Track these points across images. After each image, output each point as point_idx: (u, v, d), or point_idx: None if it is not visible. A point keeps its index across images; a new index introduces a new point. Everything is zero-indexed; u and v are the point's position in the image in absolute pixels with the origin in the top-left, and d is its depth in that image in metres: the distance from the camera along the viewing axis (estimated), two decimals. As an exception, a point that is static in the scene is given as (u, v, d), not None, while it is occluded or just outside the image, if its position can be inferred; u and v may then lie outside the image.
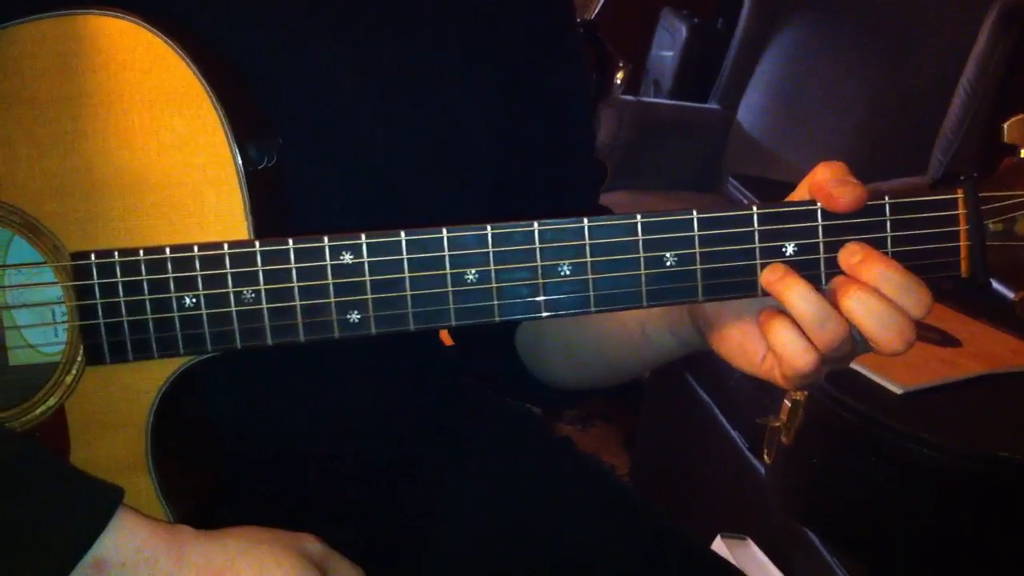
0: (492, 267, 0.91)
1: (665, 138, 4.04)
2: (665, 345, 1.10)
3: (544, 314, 0.92)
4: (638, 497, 1.29)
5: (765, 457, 2.07)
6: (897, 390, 1.80)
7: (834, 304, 0.89)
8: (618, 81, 3.64)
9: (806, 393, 1.89)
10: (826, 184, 0.89)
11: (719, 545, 2.16)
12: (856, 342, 0.92)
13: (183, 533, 0.90)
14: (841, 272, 0.90)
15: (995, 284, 0.89)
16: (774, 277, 0.90)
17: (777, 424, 1.99)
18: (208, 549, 0.90)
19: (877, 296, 0.88)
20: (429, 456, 1.24)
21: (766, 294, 0.91)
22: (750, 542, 2.18)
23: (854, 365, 1.86)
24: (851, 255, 0.89)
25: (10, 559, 0.83)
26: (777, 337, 0.91)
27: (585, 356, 1.22)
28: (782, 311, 0.91)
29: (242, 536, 0.92)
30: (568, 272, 0.91)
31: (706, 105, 4.18)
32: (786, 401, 1.95)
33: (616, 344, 1.15)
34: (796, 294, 0.89)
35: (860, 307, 0.88)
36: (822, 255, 0.90)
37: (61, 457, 0.95)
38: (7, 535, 0.83)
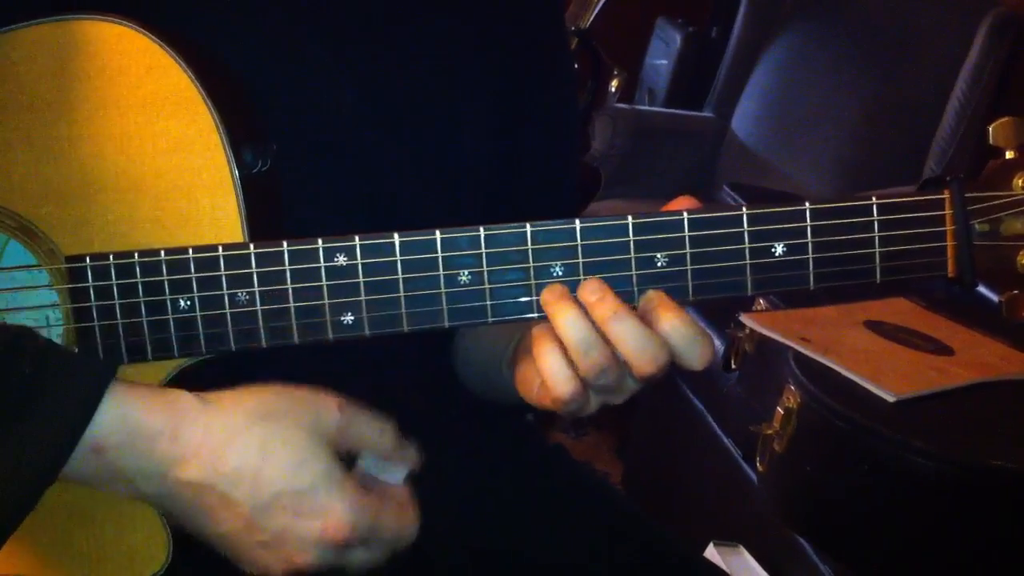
0: (485, 268, 0.91)
1: (659, 146, 4.05)
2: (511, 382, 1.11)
3: (536, 315, 0.92)
4: (631, 505, 1.29)
5: (758, 465, 2.07)
6: (890, 398, 1.80)
7: (655, 325, 0.90)
8: (613, 89, 3.63)
9: (799, 400, 1.89)
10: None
11: (712, 552, 2.17)
12: (628, 376, 0.93)
13: (181, 406, 0.87)
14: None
15: (981, 287, 0.90)
16: (550, 298, 0.91)
17: (770, 432, 1.99)
18: (207, 425, 0.86)
19: (637, 321, 0.90)
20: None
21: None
22: (743, 549, 2.18)
23: (847, 373, 1.87)
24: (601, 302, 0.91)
25: (6, 450, 0.82)
26: (543, 360, 0.92)
27: (481, 373, 1.23)
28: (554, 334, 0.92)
29: (246, 408, 0.88)
30: (560, 273, 0.91)
31: (700, 113, 4.19)
32: (779, 409, 1.95)
33: (493, 371, 1.16)
34: (565, 319, 0.90)
35: (620, 328, 0.90)
36: (811, 255, 0.90)
37: (49, 341, 0.90)
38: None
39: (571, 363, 0.91)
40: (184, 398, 0.88)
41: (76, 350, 0.94)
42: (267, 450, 0.86)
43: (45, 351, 0.85)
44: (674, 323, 0.90)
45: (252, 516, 0.87)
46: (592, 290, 0.90)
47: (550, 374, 0.92)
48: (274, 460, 0.86)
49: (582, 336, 0.90)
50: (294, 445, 0.87)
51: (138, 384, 0.88)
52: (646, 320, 0.90)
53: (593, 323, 0.90)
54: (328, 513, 0.87)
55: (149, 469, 0.86)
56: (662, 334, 0.90)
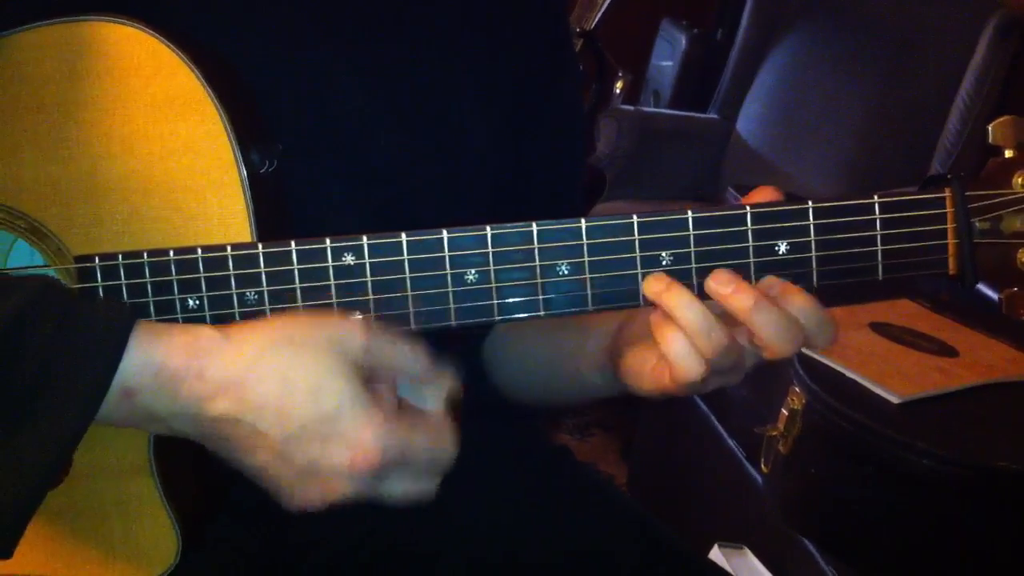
0: (492, 267, 0.92)
1: (664, 148, 4.05)
2: (594, 383, 1.13)
3: (542, 313, 0.93)
4: (636, 506, 1.29)
5: (762, 466, 2.07)
6: (894, 399, 1.81)
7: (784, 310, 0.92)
8: (617, 91, 3.64)
9: (804, 402, 1.89)
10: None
11: (716, 554, 2.16)
12: (745, 354, 0.95)
13: (202, 343, 0.86)
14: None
15: (981, 286, 0.91)
16: (660, 287, 0.92)
17: (775, 433, 1.99)
18: (228, 360, 0.86)
19: (778, 308, 0.92)
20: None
21: (649, 303, 0.93)
22: (747, 551, 2.18)
23: (851, 374, 1.87)
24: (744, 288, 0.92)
25: (39, 403, 0.82)
26: (669, 346, 0.93)
27: (535, 372, 1.23)
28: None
29: (266, 338, 0.87)
30: (566, 272, 0.92)
31: (705, 115, 4.19)
32: (784, 410, 1.96)
33: (559, 369, 1.17)
34: (683, 304, 0.91)
35: (761, 318, 0.91)
36: (814, 253, 0.91)
37: (71, 292, 0.91)
38: (31, 380, 0.82)
39: (695, 346, 0.92)
40: (206, 334, 0.87)
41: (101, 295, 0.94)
42: (288, 378, 0.85)
43: (70, 302, 0.85)
44: (804, 307, 0.92)
45: (283, 447, 0.86)
46: (724, 282, 0.92)
47: (678, 358, 0.93)
48: (295, 388, 0.85)
49: (701, 320, 0.91)
50: (315, 371, 0.86)
51: (161, 325, 0.88)
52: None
53: (705, 306, 0.92)
54: (356, 439, 0.86)
55: (180, 409, 0.86)
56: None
